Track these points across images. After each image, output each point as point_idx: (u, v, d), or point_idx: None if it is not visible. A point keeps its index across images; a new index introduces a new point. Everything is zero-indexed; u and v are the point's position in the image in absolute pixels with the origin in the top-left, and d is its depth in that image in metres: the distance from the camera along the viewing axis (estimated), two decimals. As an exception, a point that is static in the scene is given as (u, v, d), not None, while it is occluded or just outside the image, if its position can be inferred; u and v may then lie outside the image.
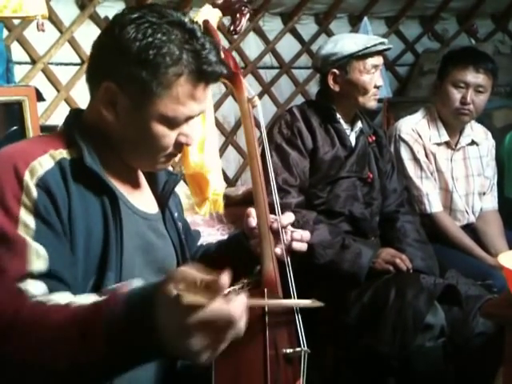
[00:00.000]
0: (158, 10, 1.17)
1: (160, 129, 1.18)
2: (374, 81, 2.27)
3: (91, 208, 1.14)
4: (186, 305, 0.82)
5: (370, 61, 2.25)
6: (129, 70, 1.13)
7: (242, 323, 0.87)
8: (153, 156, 1.24)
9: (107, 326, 0.91)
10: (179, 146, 1.24)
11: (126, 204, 1.21)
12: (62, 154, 1.15)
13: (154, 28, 1.13)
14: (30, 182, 1.08)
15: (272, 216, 1.35)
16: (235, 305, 0.85)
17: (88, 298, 1.00)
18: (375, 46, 2.24)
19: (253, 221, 1.34)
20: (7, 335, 0.96)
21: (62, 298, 1.01)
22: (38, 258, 1.04)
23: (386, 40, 2.32)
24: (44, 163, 1.11)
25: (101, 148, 1.19)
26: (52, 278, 1.05)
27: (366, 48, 2.23)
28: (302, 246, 1.37)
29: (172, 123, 1.18)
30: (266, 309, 1.20)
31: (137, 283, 0.98)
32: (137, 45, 1.12)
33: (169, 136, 1.19)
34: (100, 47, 1.20)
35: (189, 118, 1.20)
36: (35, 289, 1.02)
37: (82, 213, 1.13)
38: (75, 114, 1.27)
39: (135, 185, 1.30)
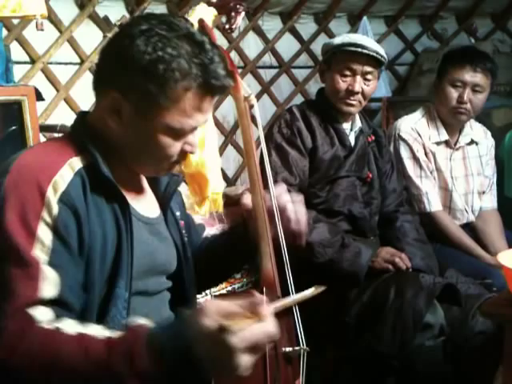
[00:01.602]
0: (167, 22, 1.16)
1: (165, 139, 1.18)
2: (348, 84, 2.21)
3: (105, 215, 1.16)
4: (233, 333, 0.89)
5: (348, 62, 2.20)
6: (137, 82, 1.13)
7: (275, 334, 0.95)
8: (157, 164, 1.25)
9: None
10: (183, 155, 1.24)
11: (131, 211, 1.21)
12: (77, 162, 1.16)
13: (163, 42, 1.12)
14: (52, 198, 1.08)
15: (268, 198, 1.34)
16: (271, 321, 0.93)
17: (97, 330, 1.01)
18: (350, 45, 2.17)
19: (247, 199, 1.34)
20: (12, 355, 0.99)
21: (70, 326, 1.02)
22: (50, 285, 1.05)
23: (370, 45, 2.18)
24: (65, 175, 1.12)
25: (107, 154, 1.20)
26: (60, 305, 1.06)
27: (343, 45, 2.18)
28: (298, 224, 1.35)
29: (178, 134, 1.19)
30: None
31: (146, 322, 1.00)
32: (146, 58, 1.12)
33: (174, 146, 1.20)
34: (108, 56, 1.20)
35: (194, 129, 1.21)
36: (42, 315, 1.03)
37: (98, 221, 1.14)
38: (82, 117, 1.27)
39: (138, 189, 1.30)
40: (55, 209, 1.08)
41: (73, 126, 1.28)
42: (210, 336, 0.90)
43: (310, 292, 1.26)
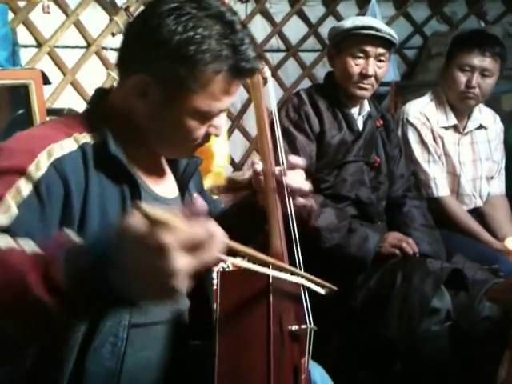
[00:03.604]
0: (196, 0, 1.13)
1: (192, 123, 1.16)
2: (362, 68, 2.20)
3: (108, 195, 1.12)
4: (156, 221, 0.73)
5: (361, 44, 2.19)
6: (166, 64, 1.10)
7: (216, 248, 0.78)
8: (181, 147, 1.24)
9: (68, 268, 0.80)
10: (208, 137, 1.23)
11: (146, 191, 1.20)
12: (86, 138, 1.13)
13: (194, 21, 1.09)
14: (44, 159, 1.05)
15: (278, 168, 1.32)
16: (209, 224, 0.78)
17: (29, 245, 0.88)
18: (363, 28, 2.15)
19: (257, 166, 1.32)
20: None
21: (3, 241, 0.90)
22: (5, 213, 0.98)
23: (383, 28, 2.18)
24: (66, 146, 1.09)
25: (125, 134, 1.17)
26: (5, 236, 0.94)
27: (356, 28, 2.17)
28: (304, 201, 1.33)
29: (205, 117, 1.17)
30: (271, 280, 1.14)
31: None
32: (176, 38, 1.08)
33: (200, 129, 1.18)
34: (135, 36, 1.16)
35: (221, 111, 1.19)
36: None
37: (99, 200, 1.10)
38: (100, 94, 1.24)
39: (158, 170, 1.29)
40: (43, 169, 1.04)
41: (90, 102, 1.25)
42: (137, 233, 0.74)
43: (316, 286, 1.25)
